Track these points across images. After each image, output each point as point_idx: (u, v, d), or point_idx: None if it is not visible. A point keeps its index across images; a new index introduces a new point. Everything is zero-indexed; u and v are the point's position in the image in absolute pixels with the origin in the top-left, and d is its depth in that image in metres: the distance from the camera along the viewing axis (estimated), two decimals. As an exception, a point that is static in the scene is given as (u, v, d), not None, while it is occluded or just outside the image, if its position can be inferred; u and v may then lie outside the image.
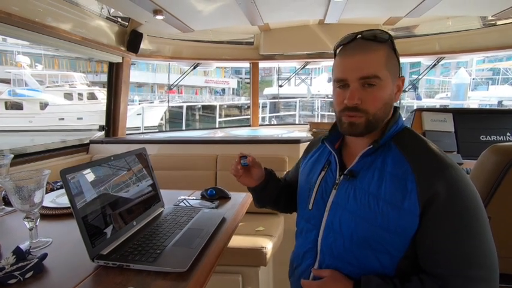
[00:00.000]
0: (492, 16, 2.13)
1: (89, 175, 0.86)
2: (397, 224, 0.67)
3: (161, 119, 15.70)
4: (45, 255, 0.78)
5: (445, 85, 21.86)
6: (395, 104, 0.80)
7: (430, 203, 0.65)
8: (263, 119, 9.23)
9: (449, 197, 0.65)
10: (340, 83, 0.75)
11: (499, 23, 2.54)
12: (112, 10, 2.17)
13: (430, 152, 0.71)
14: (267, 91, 17.22)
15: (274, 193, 1.00)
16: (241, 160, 0.92)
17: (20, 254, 0.75)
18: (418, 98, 15.52)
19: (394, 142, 0.74)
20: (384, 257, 0.70)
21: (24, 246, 0.83)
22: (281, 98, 14.12)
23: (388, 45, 0.74)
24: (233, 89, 29.62)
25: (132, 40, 2.31)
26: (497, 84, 18.38)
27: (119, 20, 2.26)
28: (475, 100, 15.03)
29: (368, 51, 0.71)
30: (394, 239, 0.68)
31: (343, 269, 0.74)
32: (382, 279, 0.68)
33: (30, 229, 0.87)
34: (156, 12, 1.88)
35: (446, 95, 17.41)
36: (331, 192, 0.78)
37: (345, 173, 0.77)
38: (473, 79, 18.64)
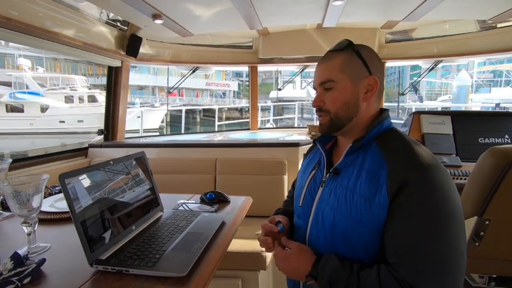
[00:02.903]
0: (489, 20, 2.14)
1: (88, 179, 0.86)
2: (368, 217, 0.70)
3: (162, 122, 15.72)
4: (43, 261, 0.77)
5: (446, 87, 21.89)
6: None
7: (398, 193, 0.68)
8: (267, 121, 9.25)
9: (415, 190, 0.66)
10: (315, 90, 0.86)
11: (495, 26, 2.55)
12: (111, 14, 2.18)
13: (409, 150, 0.73)
14: (273, 94, 17.24)
15: None
16: (277, 226, 0.88)
17: (17, 260, 0.75)
18: (420, 100, 15.49)
19: (376, 141, 0.78)
20: (361, 253, 0.73)
21: (22, 251, 0.83)
22: (284, 101, 14.13)
23: (347, 51, 0.80)
24: (234, 91, 29.69)
25: (131, 44, 2.32)
26: (500, 87, 18.36)
27: (118, 24, 2.27)
28: (477, 102, 14.98)
29: (325, 61, 0.82)
30: (366, 232, 0.71)
31: None
32: (342, 262, 0.71)
33: (29, 234, 0.87)
34: (155, 16, 1.89)
35: (449, 97, 17.38)
36: (319, 189, 0.83)
37: (330, 171, 0.82)
38: (475, 81, 18.63)
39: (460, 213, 0.68)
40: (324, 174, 0.84)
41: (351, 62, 0.79)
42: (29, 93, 15.61)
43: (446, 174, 0.70)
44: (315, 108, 0.85)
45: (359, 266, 0.70)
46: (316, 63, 0.85)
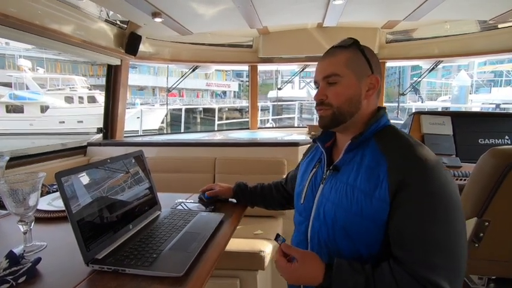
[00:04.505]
0: (490, 20, 2.13)
1: (85, 178, 0.86)
2: (369, 211, 0.72)
3: (162, 122, 15.71)
4: (38, 260, 0.76)
5: (446, 87, 21.87)
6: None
7: (399, 190, 0.70)
8: (266, 121, 9.23)
9: (418, 186, 0.69)
10: (315, 85, 0.87)
11: (496, 26, 2.55)
12: (111, 13, 2.17)
13: (406, 146, 0.75)
14: (271, 94, 17.23)
15: (247, 200, 1.26)
16: (278, 240, 0.87)
17: (13, 259, 0.74)
18: (421, 100, 15.45)
19: (374, 138, 0.80)
20: (362, 248, 0.74)
21: (17, 250, 0.82)
22: (283, 100, 14.14)
23: (352, 49, 0.82)
24: (234, 91, 29.71)
25: (130, 42, 2.31)
26: (500, 87, 18.31)
27: (118, 22, 2.27)
28: (477, 103, 14.93)
29: (331, 56, 0.83)
30: (368, 227, 0.73)
31: (327, 260, 0.76)
32: (353, 267, 0.70)
33: (24, 233, 0.86)
34: (154, 14, 1.88)
35: (449, 97, 17.36)
36: (319, 186, 0.86)
37: (330, 167, 0.84)
38: (475, 81, 18.59)
39: (460, 206, 0.70)
40: (325, 172, 0.86)
41: (356, 59, 0.81)
42: (29, 93, 15.61)
43: (444, 170, 0.72)
44: (315, 102, 0.85)
45: (370, 266, 0.70)
46: (317, 63, 0.86)
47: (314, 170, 0.90)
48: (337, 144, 0.91)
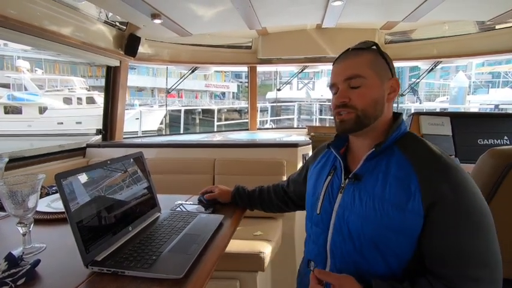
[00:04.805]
0: (488, 21, 2.14)
1: (85, 179, 0.85)
2: (401, 225, 0.69)
3: (161, 123, 15.71)
4: (37, 262, 0.76)
5: (445, 88, 21.92)
6: (398, 111, 0.84)
7: (435, 204, 0.67)
8: (265, 122, 9.25)
9: (454, 198, 0.66)
10: (333, 89, 0.83)
11: (494, 27, 2.56)
12: (110, 14, 2.17)
13: (433, 154, 0.73)
14: (270, 95, 17.25)
15: (246, 204, 1.25)
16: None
17: (12, 261, 0.74)
18: (420, 101, 15.49)
19: (397, 146, 0.77)
20: (392, 260, 0.71)
21: (16, 252, 0.82)
22: (281, 101, 14.16)
23: (372, 51, 0.81)
24: (233, 92, 29.71)
25: (130, 44, 2.31)
26: (498, 88, 18.39)
27: (117, 24, 2.27)
28: (475, 104, 14.99)
29: (352, 57, 0.80)
30: (400, 240, 0.70)
31: (353, 274, 0.74)
32: (393, 287, 0.67)
33: (24, 234, 0.86)
34: (154, 16, 1.89)
35: (447, 98, 17.43)
36: (338, 196, 0.81)
37: (349, 176, 0.80)
38: (473, 82, 18.67)
39: (490, 212, 0.69)
40: (343, 180, 0.82)
41: (377, 61, 0.79)
42: (28, 94, 15.58)
43: (467, 175, 0.71)
44: (335, 105, 0.81)
45: (408, 284, 0.67)
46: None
47: (329, 178, 0.85)
48: (352, 150, 0.87)
